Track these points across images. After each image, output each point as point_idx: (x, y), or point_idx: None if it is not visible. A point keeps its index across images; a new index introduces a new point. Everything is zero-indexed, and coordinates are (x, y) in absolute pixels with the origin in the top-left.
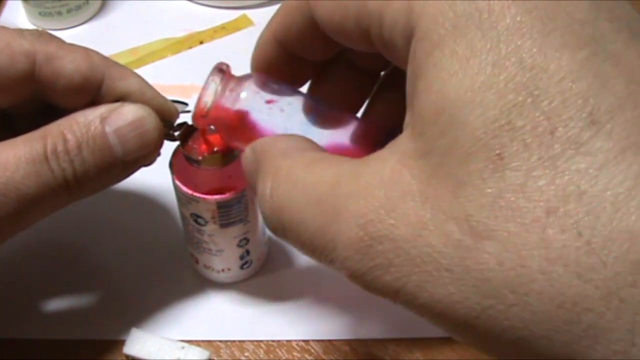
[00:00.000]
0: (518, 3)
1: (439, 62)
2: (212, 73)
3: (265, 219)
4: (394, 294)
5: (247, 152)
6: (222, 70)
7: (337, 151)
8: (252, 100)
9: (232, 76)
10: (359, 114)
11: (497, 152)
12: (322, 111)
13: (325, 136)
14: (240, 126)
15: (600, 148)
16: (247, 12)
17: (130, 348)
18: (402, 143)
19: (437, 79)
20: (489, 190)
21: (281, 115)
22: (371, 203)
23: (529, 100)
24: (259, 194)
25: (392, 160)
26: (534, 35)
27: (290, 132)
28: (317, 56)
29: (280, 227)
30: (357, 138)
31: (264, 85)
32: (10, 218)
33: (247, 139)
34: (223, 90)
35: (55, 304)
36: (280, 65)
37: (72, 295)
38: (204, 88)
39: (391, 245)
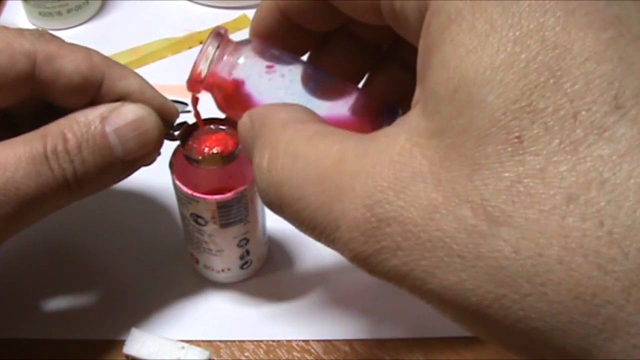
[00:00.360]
0: None
1: (456, 37)
2: (210, 38)
3: (260, 192)
4: (400, 278)
5: (245, 120)
6: (220, 34)
7: (337, 122)
8: (250, 66)
9: (231, 41)
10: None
11: (517, 134)
12: (322, 79)
13: (325, 105)
14: (237, 93)
15: (624, 134)
16: (247, 12)
17: (130, 348)
18: (412, 120)
19: (454, 55)
20: (507, 175)
21: (281, 81)
22: (379, 183)
23: (552, 81)
24: (255, 165)
25: (401, 138)
26: (557, 12)
27: (290, 99)
28: (320, 27)
29: (277, 203)
30: (358, 109)
31: (263, 51)
32: (10, 218)
33: (244, 108)
34: (221, 55)
35: (55, 304)
36: (280, 34)
37: (72, 295)
38: (201, 52)
39: (399, 228)
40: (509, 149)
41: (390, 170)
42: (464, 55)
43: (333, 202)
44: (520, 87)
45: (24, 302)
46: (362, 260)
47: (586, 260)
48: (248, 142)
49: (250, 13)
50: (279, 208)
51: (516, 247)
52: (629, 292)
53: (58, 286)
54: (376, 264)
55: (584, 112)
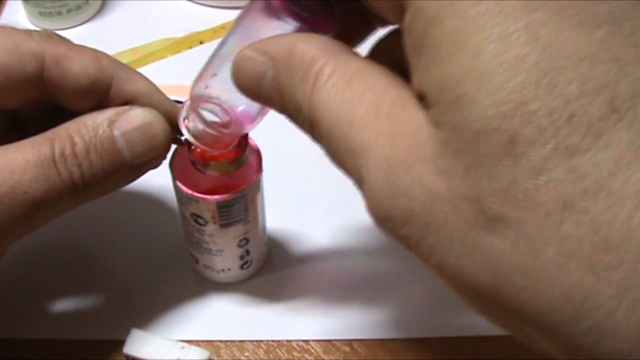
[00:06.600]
0: None
1: (437, 40)
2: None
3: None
4: (408, 247)
5: (251, 55)
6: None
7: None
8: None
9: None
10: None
11: (510, 135)
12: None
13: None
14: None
15: (620, 139)
16: None
17: (130, 348)
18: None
19: (437, 58)
20: (502, 176)
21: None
22: (396, 154)
23: (545, 81)
24: (300, 97)
25: (421, 115)
26: (546, 12)
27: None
28: None
29: (312, 132)
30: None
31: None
32: (18, 221)
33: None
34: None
35: (56, 304)
36: None
37: (72, 295)
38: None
39: (409, 203)
40: (503, 151)
41: (405, 145)
42: (446, 57)
43: (358, 155)
44: (510, 87)
45: (24, 302)
46: (377, 220)
47: (580, 265)
48: (261, 76)
49: None
50: (318, 137)
51: (512, 245)
52: (621, 298)
53: (57, 286)
54: (388, 228)
55: (579, 115)
